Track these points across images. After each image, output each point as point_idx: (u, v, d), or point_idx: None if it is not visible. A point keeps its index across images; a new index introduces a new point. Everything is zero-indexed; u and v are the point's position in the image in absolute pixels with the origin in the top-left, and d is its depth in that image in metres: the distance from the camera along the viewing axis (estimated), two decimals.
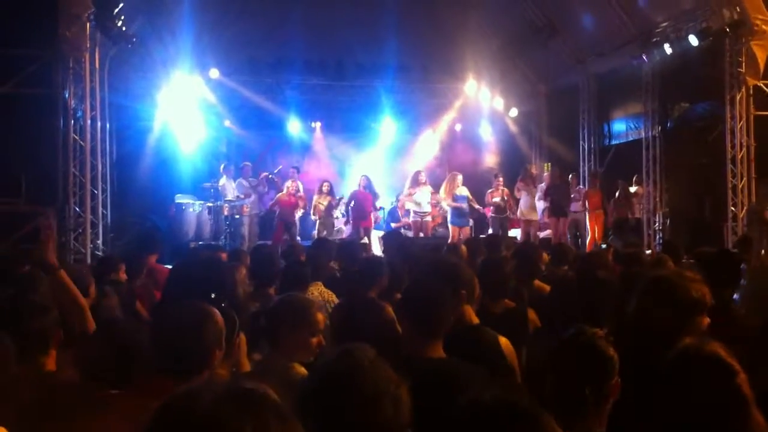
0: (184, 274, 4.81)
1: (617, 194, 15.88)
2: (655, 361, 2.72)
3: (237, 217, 15.94)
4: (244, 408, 1.47)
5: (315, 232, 16.24)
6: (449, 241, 14.76)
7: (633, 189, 16.06)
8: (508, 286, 5.49)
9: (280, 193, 16.14)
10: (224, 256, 7.16)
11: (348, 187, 17.68)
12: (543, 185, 16.45)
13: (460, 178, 15.70)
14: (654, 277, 3.70)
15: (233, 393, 1.51)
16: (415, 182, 16.20)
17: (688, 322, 3.32)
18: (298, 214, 16.26)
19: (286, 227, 15.89)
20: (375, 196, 16.57)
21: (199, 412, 1.45)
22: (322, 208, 16.18)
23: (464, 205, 15.50)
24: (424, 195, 16.08)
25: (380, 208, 18.13)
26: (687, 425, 2.45)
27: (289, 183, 16.20)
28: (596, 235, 15.57)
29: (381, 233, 16.06)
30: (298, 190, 16.24)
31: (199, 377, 2.83)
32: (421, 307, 3.38)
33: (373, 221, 16.48)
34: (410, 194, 16.24)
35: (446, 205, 15.70)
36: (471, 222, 16.64)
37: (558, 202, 15.80)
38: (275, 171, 17.79)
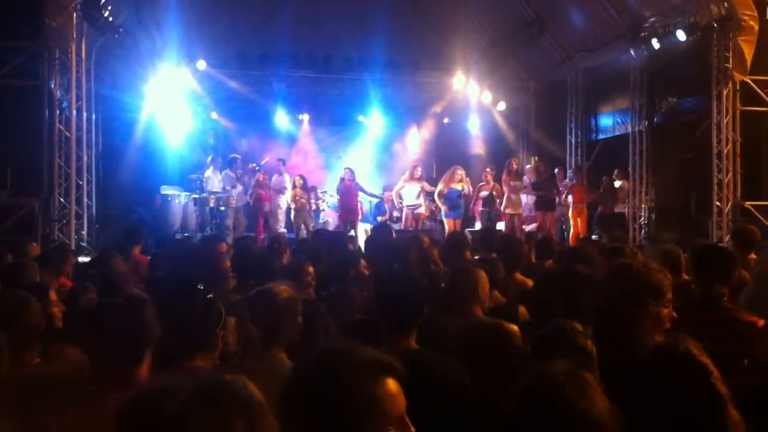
0: (182, 262, 4.81)
1: (601, 189, 15.94)
2: (617, 351, 2.75)
3: (222, 208, 15.91)
4: (210, 407, 1.44)
5: (294, 226, 16.30)
6: (446, 233, 14.85)
7: (618, 184, 16.09)
8: (498, 281, 5.53)
9: (254, 187, 16.33)
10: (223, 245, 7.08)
11: (335, 180, 17.66)
12: (525, 178, 16.53)
13: (460, 172, 15.70)
14: (612, 266, 3.77)
15: (200, 390, 1.48)
16: (411, 176, 16.25)
17: (641, 306, 3.35)
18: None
19: (265, 220, 16.01)
20: (360, 188, 16.64)
21: (164, 412, 1.43)
22: (304, 202, 16.19)
23: (455, 198, 15.54)
24: (412, 190, 16.12)
25: (379, 196, 18.28)
26: (663, 425, 2.45)
27: (259, 176, 16.47)
28: (580, 229, 15.59)
29: (367, 226, 16.09)
30: (266, 183, 16.40)
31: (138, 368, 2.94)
32: (394, 303, 3.44)
33: (359, 214, 16.51)
34: (399, 189, 16.30)
35: (436, 197, 15.76)
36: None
37: (545, 196, 15.83)
38: (261, 163, 17.76)
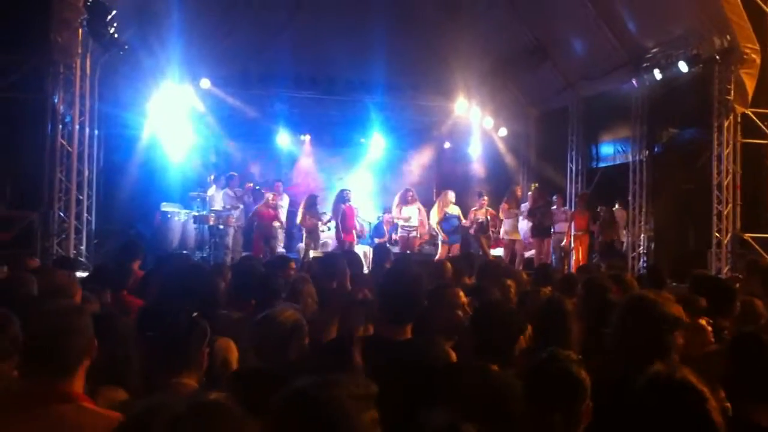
0: (172, 280, 4.80)
1: (602, 218, 15.94)
2: (631, 381, 2.76)
3: (221, 227, 15.87)
4: (204, 424, 1.43)
5: (302, 245, 16.22)
6: (437, 257, 14.78)
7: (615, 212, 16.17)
8: None
9: (258, 205, 16.15)
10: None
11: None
12: (525, 205, 16.55)
13: (451, 195, 15.73)
14: (632, 296, 3.81)
15: (192, 409, 1.47)
16: (404, 200, 16.25)
17: (665, 338, 3.42)
18: (276, 225, 16.27)
19: (265, 240, 15.87)
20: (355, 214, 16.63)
21: (158, 428, 1.42)
22: (314, 222, 16.14)
23: (454, 222, 15.54)
24: (410, 213, 16.14)
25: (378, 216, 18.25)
26: None
27: (270, 195, 16.22)
28: (581, 257, 15.55)
29: (365, 248, 16.05)
30: (275, 204, 16.22)
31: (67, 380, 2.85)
32: (393, 296, 3.72)
33: (356, 236, 16.47)
34: (399, 210, 16.30)
35: (435, 225, 15.72)
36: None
37: (541, 222, 15.80)
38: (262, 182, 17.75)
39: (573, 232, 15.74)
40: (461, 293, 4.89)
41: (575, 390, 2.84)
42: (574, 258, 15.70)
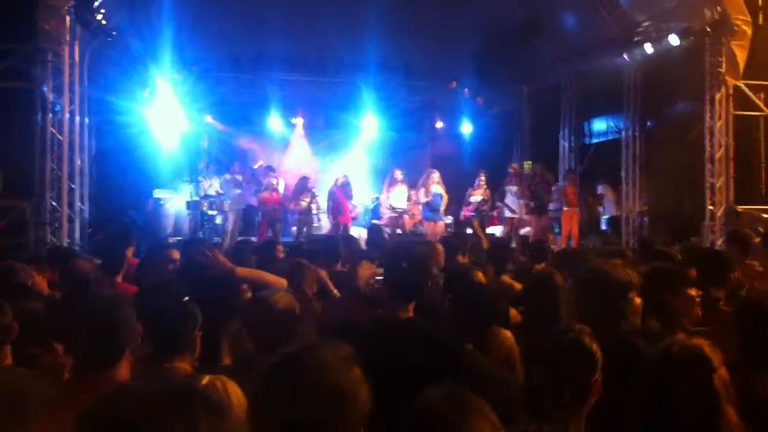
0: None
1: (588, 197, 16.05)
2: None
3: (214, 212, 15.86)
4: (173, 407, 1.43)
5: (295, 228, 16.28)
6: (426, 236, 14.87)
7: (601, 190, 16.27)
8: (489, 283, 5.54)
9: (262, 192, 16.20)
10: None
11: (329, 184, 17.67)
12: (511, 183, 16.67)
13: (435, 175, 15.79)
14: (583, 270, 3.92)
15: (164, 392, 1.47)
16: (393, 180, 16.31)
17: (619, 302, 3.56)
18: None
19: (270, 224, 15.93)
20: (348, 197, 16.61)
21: (126, 413, 1.42)
22: (304, 205, 16.18)
23: (437, 201, 15.61)
24: (399, 193, 16.18)
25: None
26: (660, 420, 2.49)
27: (274, 180, 16.27)
28: (573, 232, 15.57)
29: (360, 229, 16.11)
30: (275, 188, 16.28)
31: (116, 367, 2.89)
32: (398, 273, 3.77)
33: (351, 217, 16.53)
34: (387, 194, 16.37)
35: (423, 203, 15.81)
36: (447, 218, 16.72)
37: (541, 199, 15.85)
38: (254, 167, 17.72)
39: (564, 208, 15.75)
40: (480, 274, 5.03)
41: (587, 362, 2.85)
42: (563, 234, 15.75)
